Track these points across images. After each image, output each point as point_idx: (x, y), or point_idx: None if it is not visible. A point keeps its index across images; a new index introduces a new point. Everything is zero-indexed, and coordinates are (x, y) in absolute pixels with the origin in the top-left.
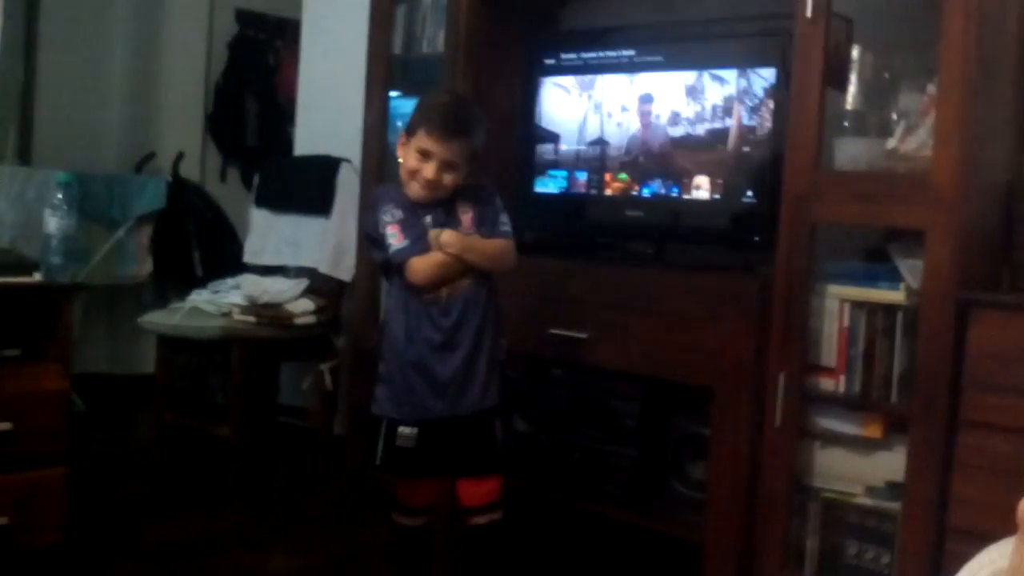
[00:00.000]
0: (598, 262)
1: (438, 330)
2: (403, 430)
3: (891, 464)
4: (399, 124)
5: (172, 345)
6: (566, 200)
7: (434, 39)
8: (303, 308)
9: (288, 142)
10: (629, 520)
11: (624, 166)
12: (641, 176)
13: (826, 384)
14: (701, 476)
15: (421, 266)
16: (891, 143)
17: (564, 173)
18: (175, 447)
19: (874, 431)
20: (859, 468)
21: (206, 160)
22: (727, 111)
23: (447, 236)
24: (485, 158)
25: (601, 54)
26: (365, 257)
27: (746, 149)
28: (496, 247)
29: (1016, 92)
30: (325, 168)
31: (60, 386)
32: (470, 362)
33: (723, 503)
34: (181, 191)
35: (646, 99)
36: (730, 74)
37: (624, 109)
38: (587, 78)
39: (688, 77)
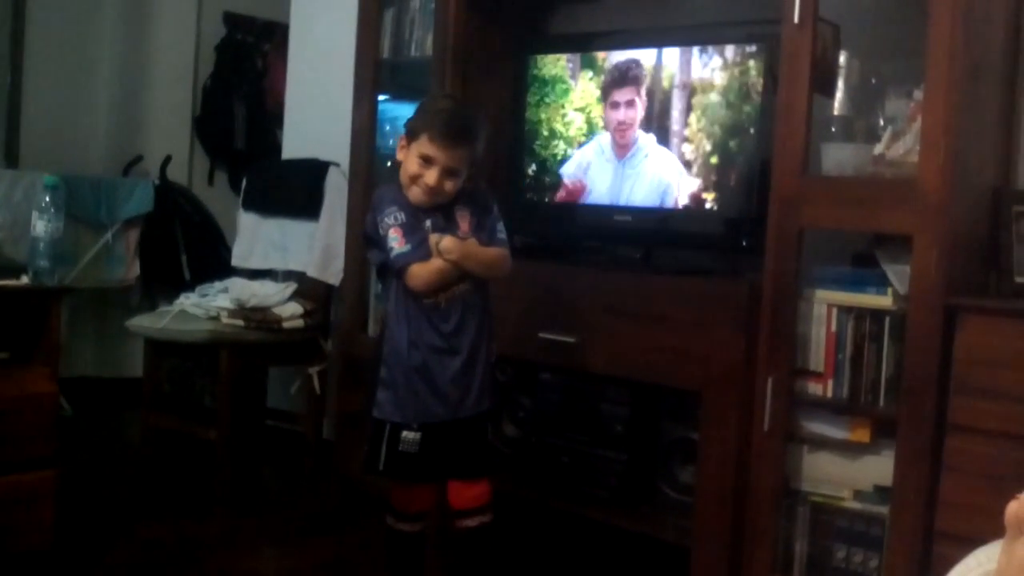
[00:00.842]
0: (587, 267)
1: (439, 335)
2: (407, 435)
3: (879, 468)
4: (387, 128)
5: (160, 348)
6: (555, 205)
7: (422, 43)
8: (291, 312)
9: (276, 146)
10: (618, 524)
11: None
12: (629, 181)
13: (814, 388)
14: (689, 480)
15: (421, 272)
16: (878, 148)
17: (554, 177)
18: (163, 450)
19: (862, 435)
20: (847, 472)
21: (194, 163)
22: (712, 115)
23: (447, 242)
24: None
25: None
26: (354, 261)
27: (733, 154)
28: (493, 256)
29: (1002, 97)
30: (313, 172)
31: (48, 389)
32: (469, 366)
33: (711, 507)
34: (168, 194)
35: (631, 104)
36: (717, 79)
37: (612, 107)
38: (574, 79)
39: (675, 82)
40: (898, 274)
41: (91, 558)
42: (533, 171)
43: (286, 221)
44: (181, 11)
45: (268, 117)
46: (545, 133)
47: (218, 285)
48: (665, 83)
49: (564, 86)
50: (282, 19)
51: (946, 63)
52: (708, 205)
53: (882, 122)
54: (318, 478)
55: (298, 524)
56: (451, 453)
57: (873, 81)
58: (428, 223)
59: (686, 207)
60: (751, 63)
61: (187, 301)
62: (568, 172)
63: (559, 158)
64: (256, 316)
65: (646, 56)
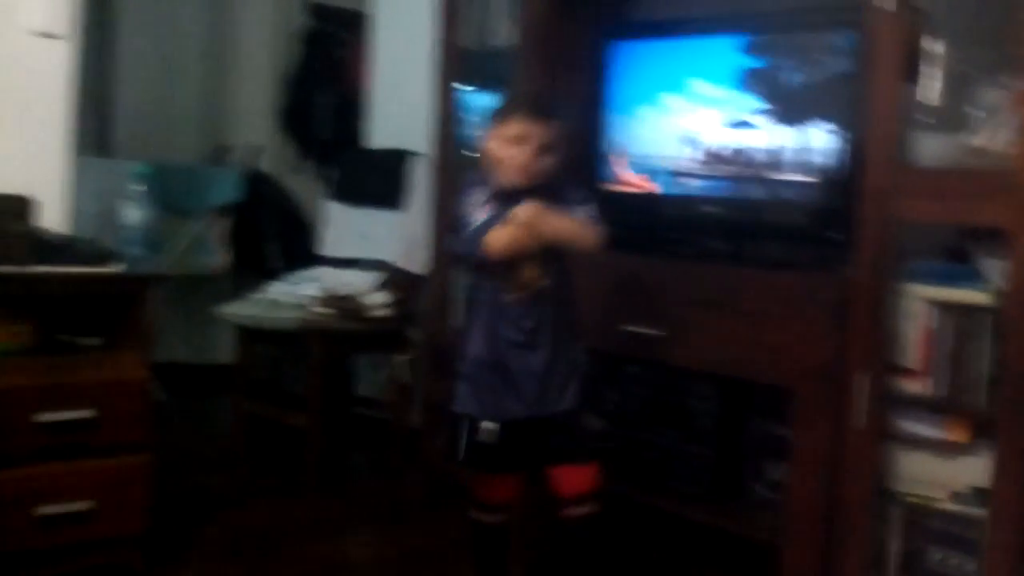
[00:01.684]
0: (673, 259)
1: (519, 331)
2: (485, 425)
3: (977, 469)
4: (469, 117)
5: (251, 336)
6: (639, 195)
7: (505, 32)
8: (379, 301)
9: (361, 134)
10: (706, 520)
11: (701, 161)
12: (718, 170)
13: (910, 386)
14: (779, 478)
15: (495, 237)
16: (974, 140)
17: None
18: (253, 436)
19: (960, 435)
20: (944, 473)
21: (281, 152)
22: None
23: (520, 209)
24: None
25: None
26: (439, 250)
27: (824, 145)
28: (572, 224)
29: None
30: (397, 161)
31: (140, 374)
32: (549, 364)
33: (802, 505)
34: (258, 183)
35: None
36: (806, 66)
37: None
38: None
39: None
40: (996, 268)
41: (184, 542)
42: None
43: (373, 211)
44: (266, 2)
45: (351, 106)
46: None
47: (307, 274)
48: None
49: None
50: (365, 9)
51: None
52: (798, 197)
53: (976, 112)
54: (405, 466)
55: (385, 511)
56: (537, 445)
57: (966, 69)
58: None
59: (775, 198)
60: (840, 50)
61: (277, 289)
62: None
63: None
64: (345, 305)
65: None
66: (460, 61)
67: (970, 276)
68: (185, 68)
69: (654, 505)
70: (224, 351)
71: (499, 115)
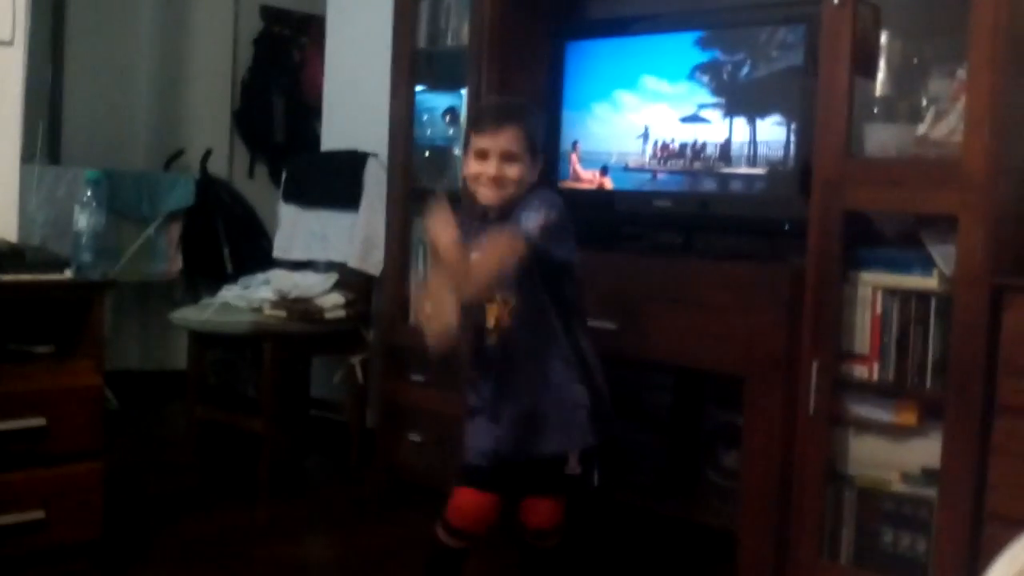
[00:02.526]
0: (627, 253)
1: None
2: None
3: (926, 451)
4: (424, 118)
5: (204, 341)
6: (593, 191)
7: (459, 32)
8: (333, 302)
9: (315, 138)
10: (662, 510)
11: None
12: (670, 164)
13: (860, 371)
14: (734, 465)
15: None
16: (921, 129)
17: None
18: (208, 442)
19: (908, 418)
20: (894, 455)
21: (234, 157)
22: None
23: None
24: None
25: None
26: (393, 251)
27: (775, 137)
28: (491, 251)
29: None
30: (352, 163)
31: (93, 382)
32: (529, 411)
33: (757, 492)
34: (210, 188)
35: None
36: (758, 61)
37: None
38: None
39: (711, 65)
40: (943, 255)
41: (139, 548)
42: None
43: (326, 212)
44: (218, 6)
45: (306, 110)
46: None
47: (260, 277)
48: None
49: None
50: (318, 12)
51: (989, 41)
52: (749, 189)
53: (925, 102)
54: (362, 467)
55: (343, 513)
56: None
57: (915, 61)
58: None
59: (726, 191)
60: (791, 44)
61: (230, 293)
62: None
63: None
64: (298, 307)
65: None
66: (414, 62)
67: (919, 263)
68: (137, 74)
69: (613, 497)
70: (178, 357)
71: (464, 140)
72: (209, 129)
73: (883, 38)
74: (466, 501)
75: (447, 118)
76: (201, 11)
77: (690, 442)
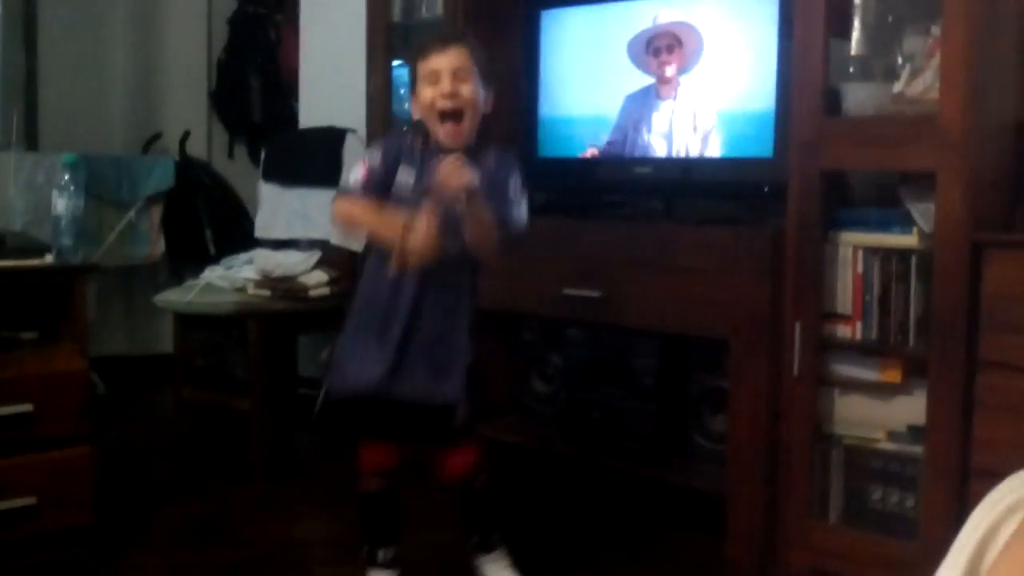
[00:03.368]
0: (609, 221)
1: (395, 302)
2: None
3: (912, 408)
4: (402, 92)
5: (189, 323)
6: (573, 161)
7: (433, 4)
8: (317, 280)
9: (293, 116)
10: (651, 475)
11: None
12: (647, 133)
13: (843, 331)
14: (722, 429)
15: (342, 206)
16: (897, 87)
17: (571, 133)
18: (198, 423)
19: (893, 376)
20: (880, 413)
21: (212, 138)
22: (729, 63)
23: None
24: (487, 121)
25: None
26: None
27: (751, 100)
28: (476, 220)
29: (1022, 29)
30: (331, 139)
31: (78, 366)
32: (426, 345)
33: (744, 454)
34: (189, 170)
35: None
36: (734, 23)
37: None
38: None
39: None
40: (923, 212)
41: (132, 530)
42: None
43: (307, 190)
44: None
45: (284, 88)
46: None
47: (243, 257)
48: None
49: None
50: None
51: None
52: (728, 153)
53: (900, 60)
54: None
55: (334, 490)
56: (401, 422)
57: (889, 19)
58: (411, 174)
59: (706, 156)
60: (767, 4)
61: (213, 274)
62: (589, 127)
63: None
64: (282, 286)
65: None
66: (390, 36)
67: (898, 221)
68: (112, 58)
69: (600, 463)
70: (164, 341)
71: (411, 76)
72: (186, 111)
73: None
74: (365, 451)
75: None
76: None
77: (677, 407)
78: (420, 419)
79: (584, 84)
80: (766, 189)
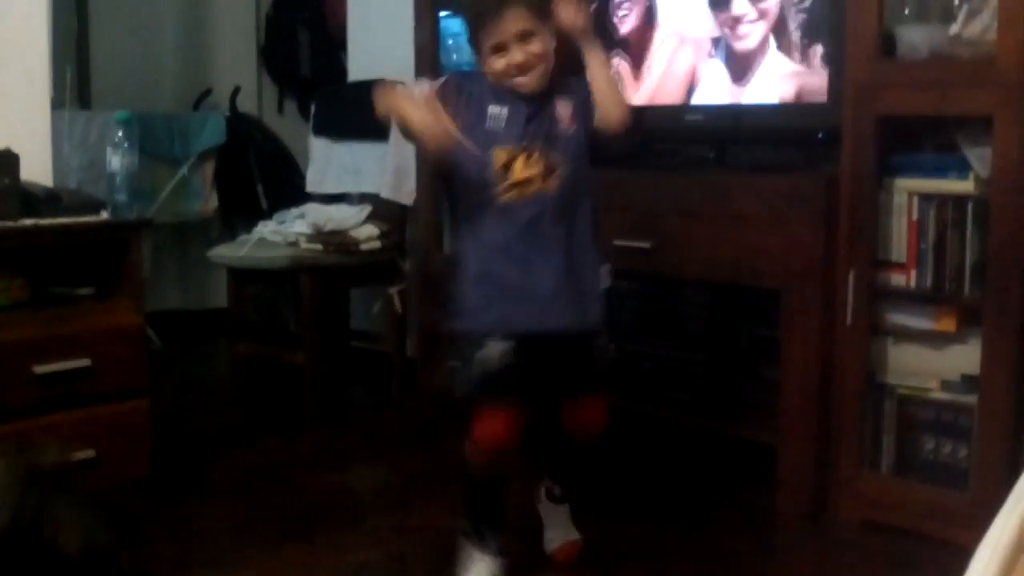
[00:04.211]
0: (659, 170)
1: (523, 234)
2: (493, 344)
3: (966, 357)
4: (450, 43)
5: (242, 277)
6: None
7: None
8: (368, 234)
9: (342, 70)
10: (702, 426)
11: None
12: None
13: (897, 280)
14: (774, 379)
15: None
16: (954, 28)
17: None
18: (252, 377)
19: (947, 325)
20: (933, 363)
21: (262, 93)
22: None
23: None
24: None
25: None
26: (426, 179)
27: (804, 41)
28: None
29: None
30: None
31: (135, 321)
32: (565, 273)
33: (796, 404)
34: (240, 125)
35: None
36: None
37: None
38: None
39: None
40: (979, 157)
41: (190, 482)
42: None
43: (356, 144)
44: None
45: (332, 42)
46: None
47: (295, 212)
48: None
49: None
50: None
51: None
52: (782, 98)
53: (957, 1)
54: (404, 395)
55: (387, 440)
56: (549, 371)
57: None
58: (504, 111)
59: (759, 103)
60: None
61: (265, 229)
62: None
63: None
64: (334, 240)
65: None
66: None
67: (955, 166)
68: (162, 15)
69: (652, 414)
70: (218, 295)
71: (474, 44)
72: (236, 66)
73: None
74: (489, 418)
75: None
76: None
77: (728, 358)
78: (564, 355)
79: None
80: (820, 135)
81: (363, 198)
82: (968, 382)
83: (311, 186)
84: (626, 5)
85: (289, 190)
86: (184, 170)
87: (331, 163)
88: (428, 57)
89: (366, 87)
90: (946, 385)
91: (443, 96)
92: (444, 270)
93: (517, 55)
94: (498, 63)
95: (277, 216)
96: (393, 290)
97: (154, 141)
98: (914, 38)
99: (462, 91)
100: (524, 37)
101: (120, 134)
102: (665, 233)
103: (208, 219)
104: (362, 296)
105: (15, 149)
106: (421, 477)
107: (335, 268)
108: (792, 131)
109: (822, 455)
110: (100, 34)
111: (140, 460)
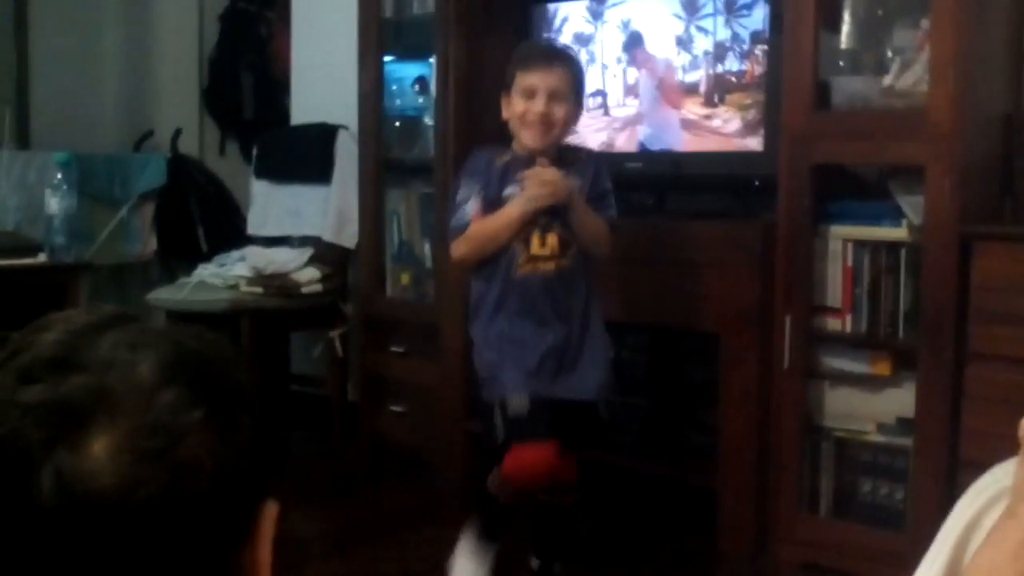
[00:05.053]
0: None
1: (533, 306)
2: (515, 399)
3: (901, 400)
4: (394, 87)
5: (182, 320)
6: None
7: None
8: (309, 276)
9: (285, 113)
10: (643, 469)
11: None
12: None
13: (833, 324)
14: (713, 423)
15: (461, 243)
16: (887, 80)
17: None
18: None
19: (882, 368)
20: (870, 406)
21: (204, 135)
22: (719, 58)
23: (540, 167)
24: (483, 121)
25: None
26: (368, 223)
27: (741, 94)
28: (595, 222)
29: (1011, 23)
30: (323, 136)
31: None
32: (567, 345)
33: (735, 447)
34: (181, 167)
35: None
36: (726, 19)
37: (619, 60)
38: (584, 31)
39: (677, 26)
40: (912, 205)
41: None
42: None
43: (298, 187)
44: None
45: (275, 84)
46: None
47: (235, 254)
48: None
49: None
50: None
51: None
52: (720, 147)
53: (890, 53)
54: (345, 439)
55: (328, 485)
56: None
57: (879, 12)
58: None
59: (697, 151)
60: (756, 2)
61: (205, 272)
62: None
63: None
64: (274, 283)
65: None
66: (381, 31)
67: (888, 214)
68: (103, 55)
69: (593, 457)
70: None
71: (507, 77)
72: (178, 108)
73: None
74: (521, 453)
75: (416, 87)
76: None
77: (669, 401)
78: (569, 418)
79: None
80: (756, 183)
81: (304, 241)
82: (903, 425)
83: (252, 228)
84: None
85: (230, 232)
86: (124, 212)
87: (272, 206)
88: (371, 102)
89: (309, 130)
90: (882, 428)
91: (472, 171)
92: (385, 314)
93: (540, 105)
94: (520, 105)
95: (217, 259)
96: (334, 333)
97: (94, 182)
98: (848, 89)
99: (491, 164)
100: (554, 96)
101: (59, 176)
102: (606, 277)
103: (147, 262)
104: (303, 339)
105: None
106: (361, 523)
107: (275, 311)
108: (730, 179)
109: (761, 498)
110: (40, 74)
111: None
